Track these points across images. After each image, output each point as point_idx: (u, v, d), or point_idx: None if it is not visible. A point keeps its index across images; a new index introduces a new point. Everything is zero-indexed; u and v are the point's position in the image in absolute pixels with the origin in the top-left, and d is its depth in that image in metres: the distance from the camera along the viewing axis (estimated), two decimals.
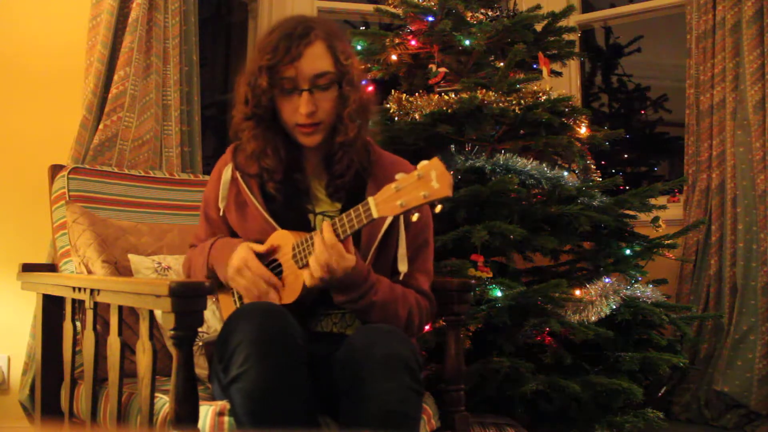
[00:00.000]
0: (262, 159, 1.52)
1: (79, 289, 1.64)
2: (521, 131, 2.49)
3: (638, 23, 3.97)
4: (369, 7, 3.42)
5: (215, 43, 4.50)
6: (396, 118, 2.43)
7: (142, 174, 2.21)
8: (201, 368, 1.70)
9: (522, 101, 2.33)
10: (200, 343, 1.75)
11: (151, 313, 1.37)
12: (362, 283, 1.41)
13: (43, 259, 2.22)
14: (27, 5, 2.46)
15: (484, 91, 2.32)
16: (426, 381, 1.87)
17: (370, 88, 2.57)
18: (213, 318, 1.82)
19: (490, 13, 2.67)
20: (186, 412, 1.27)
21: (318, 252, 1.35)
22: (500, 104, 2.31)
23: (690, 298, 2.93)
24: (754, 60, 2.79)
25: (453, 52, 2.67)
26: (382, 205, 1.28)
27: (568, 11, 2.68)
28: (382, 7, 2.76)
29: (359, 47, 2.69)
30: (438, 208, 1.27)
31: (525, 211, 2.27)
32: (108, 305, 1.51)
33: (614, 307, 2.16)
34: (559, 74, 2.90)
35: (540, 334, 2.18)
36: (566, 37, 2.73)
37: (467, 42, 2.51)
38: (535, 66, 2.70)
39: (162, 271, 1.90)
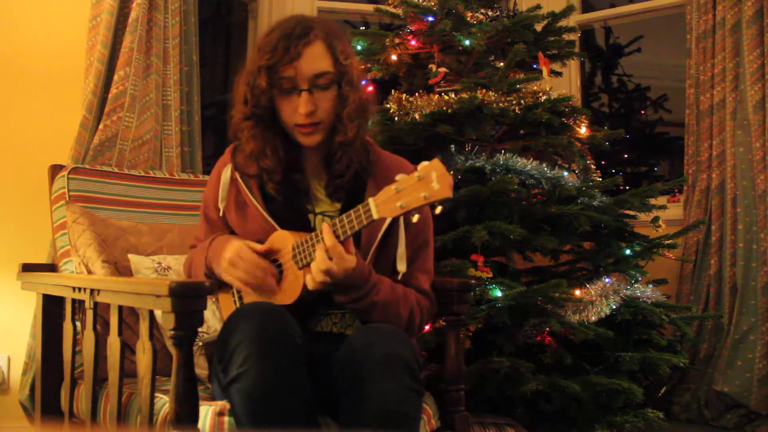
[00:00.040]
0: (261, 159, 1.52)
1: (79, 289, 1.64)
2: (521, 131, 2.49)
3: (638, 23, 3.97)
4: (369, 7, 3.42)
5: (215, 43, 4.50)
6: (396, 118, 2.43)
7: (142, 174, 2.21)
8: (201, 368, 1.70)
9: (522, 101, 2.33)
10: (200, 343, 1.75)
11: (151, 313, 1.37)
12: (363, 283, 1.41)
13: (43, 259, 2.22)
14: (27, 5, 2.46)
15: (484, 91, 2.32)
16: (426, 381, 1.87)
17: (370, 88, 2.57)
18: (213, 318, 1.82)
19: (490, 13, 2.67)
20: (186, 412, 1.27)
21: (319, 258, 1.35)
22: (500, 104, 2.31)
23: (690, 298, 2.93)
24: (754, 60, 2.79)
25: (453, 52, 2.67)
26: (382, 206, 1.28)
27: (568, 11, 2.68)
28: (382, 7, 2.76)
29: (359, 47, 2.69)
30: (438, 209, 1.27)
31: (525, 211, 2.27)
32: (108, 305, 1.51)
33: (614, 307, 2.16)
34: (559, 74, 2.90)
35: (540, 334, 2.18)
36: (566, 37, 2.73)
37: (467, 42, 2.51)
38: (535, 66, 2.70)
39: (162, 271, 1.90)
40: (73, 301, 1.71)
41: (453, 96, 2.35)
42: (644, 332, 2.31)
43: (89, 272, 1.87)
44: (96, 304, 1.58)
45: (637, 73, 4.94)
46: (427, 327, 1.75)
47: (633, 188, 2.42)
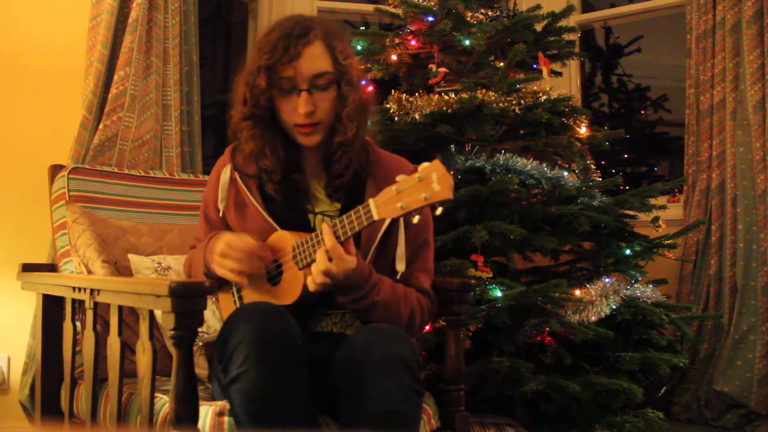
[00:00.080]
0: (261, 159, 1.52)
1: (79, 289, 1.64)
2: (521, 131, 2.49)
3: (638, 23, 3.97)
4: (369, 7, 3.42)
5: (215, 43, 4.50)
6: (396, 118, 2.43)
7: (142, 174, 2.21)
8: (201, 368, 1.70)
9: (522, 101, 2.33)
10: (200, 343, 1.75)
11: (151, 313, 1.37)
12: (364, 283, 1.41)
13: (43, 259, 2.22)
14: (27, 5, 2.46)
15: (484, 91, 2.32)
16: (426, 381, 1.87)
17: (370, 88, 2.57)
18: (213, 318, 1.82)
19: (490, 13, 2.67)
20: (186, 412, 1.27)
21: (319, 259, 1.35)
22: (500, 104, 2.31)
23: (690, 298, 2.92)
24: (754, 60, 2.79)
25: (453, 52, 2.67)
26: (382, 207, 1.28)
27: (568, 11, 2.68)
28: (382, 7, 2.76)
29: (359, 47, 2.69)
30: (439, 211, 1.27)
31: (525, 211, 2.27)
32: (108, 305, 1.51)
33: (614, 307, 2.16)
34: (559, 74, 2.90)
35: (540, 334, 2.18)
36: (566, 37, 2.73)
37: (467, 42, 2.51)
38: (535, 66, 2.70)
39: (162, 271, 1.90)
40: (73, 301, 1.71)
41: (453, 96, 2.35)
42: (644, 332, 2.31)
43: (89, 272, 1.87)
44: (96, 304, 1.58)
45: (637, 73, 4.94)
46: (427, 327, 1.75)
47: (633, 188, 2.42)
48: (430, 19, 2.61)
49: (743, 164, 2.81)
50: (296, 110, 1.46)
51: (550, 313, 2.12)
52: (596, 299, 2.15)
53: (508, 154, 2.30)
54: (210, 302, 1.68)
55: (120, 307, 1.46)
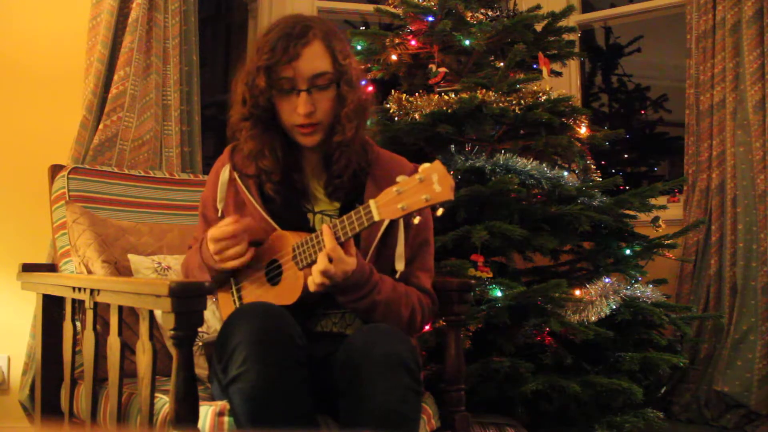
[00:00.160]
0: (260, 159, 1.52)
1: (79, 289, 1.64)
2: (521, 131, 2.49)
3: (638, 23, 3.97)
4: (369, 7, 3.42)
5: (215, 43, 4.50)
6: (396, 118, 2.43)
7: (142, 174, 2.21)
8: (201, 368, 1.70)
9: (522, 101, 2.33)
10: (200, 343, 1.75)
11: (151, 313, 1.37)
12: (364, 283, 1.41)
13: (43, 259, 2.22)
14: (27, 5, 2.46)
15: (484, 91, 2.32)
16: (426, 381, 1.88)
17: (370, 88, 2.57)
18: (213, 318, 1.82)
19: (490, 13, 2.67)
20: (186, 412, 1.28)
21: (319, 261, 1.35)
22: (500, 104, 2.31)
23: (690, 298, 2.92)
24: (754, 60, 2.79)
25: (453, 52, 2.67)
26: (383, 208, 1.28)
27: (568, 11, 2.68)
28: (382, 7, 2.77)
29: (359, 47, 2.69)
30: (439, 211, 1.27)
31: (525, 211, 2.27)
32: (108, 305, 1.51)
33: (614, 307, 2.16)
34: (559, 74, 2.90)
35: (540, 334, 2.18)
36: (566, 37, 2.73)
37: (467, 42, 2.51)
38: (535, 66, 2.70)
39: (162, 271, 1.90)
40: (73, 301, 1.70)
41: (453, 96, 2.35)
42: (644, 332, 2.31)
43: (89, 272, 1.87)
44: (96, 304, 1.58)
45: (637, 73, 4.94)
46: (427, 327, 1.75)
47: (633, 188, 2.43)
48: (430, 19, 2.61)
49: (743, 164, 2.81)
50: (296, 110, 1.46)
51: (550, 313, 2.12)
52: (596, 299, 2.15)
53: (508, 154, 2.30)
54: (210, 302, 1.68)
55: (120, 307, 1.46)
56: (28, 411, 2.20)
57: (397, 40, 2.68)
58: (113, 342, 1.47)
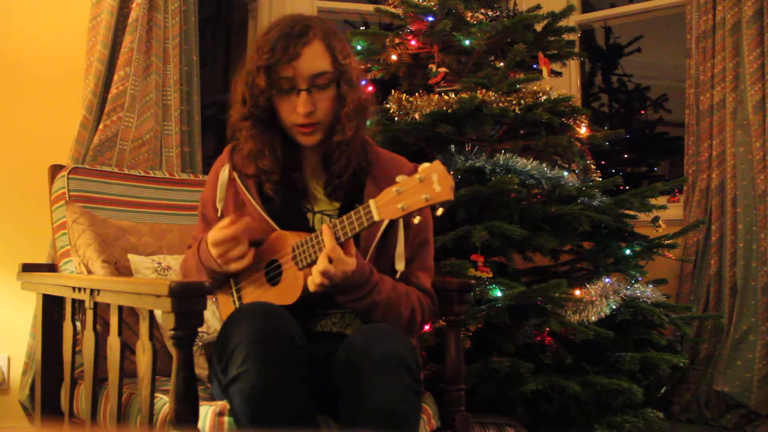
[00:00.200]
0: (260, 159, 1.52)
1: (79, 289, 1.64)
2: (521, 131, 2.49)
3: (638, 23, 3.97)
4: (369, 7, 3.42)
5: (215, 43, 4.50)
6: (396, 118, 2.43)
7: (142, 174, 2.21)
8: (201, 368, 1.70)
9: (522, 101, 2.33)
10: (200, 343, 1.75)
11: (151, 313, 1.37)
12: (364, 284, 1.41)
13: (43, 259, 2.22)
14: (27, 5, 2.46)
15: (484, 91, 2.32)
16: (426, 381, 1.87)
17: (370, 88, 2.58)
18: (213, 318, 1.82)
19: (490, 13, 2.67)
20: (186, 412, 1.28)
21: (319, 261, 1.35)
22: (500, 104, 2.31)
23: (690, 298, 2.92)
24: (754, 60, 2.79)
25: (453, 52, 2.67)
26: (383, 208, 1.27)
27: (568, 11, 2.67)
28: (382, 7, 2.76)
29: (359, 47, 2.69)
30: (439, 211, 1.27)
31: (525, 211, 2.27)
32: (108, 305, 1.51)
33: (614, 307, 2.16)
34: (559, 74, 2.90)
35: (540, 334, 2.18)
36: (566, 37, 2.73)
37: (467, 42, 2.51)
38: (535, 66, 2.70)
39: (162, 271, 1.90)
40: (73, 301, 1.70)
41: (453, 96, 2.35)
42: (644, 332, 2.31)
43: (89, 272, 1.87)
44: (96, 304, 1.58)
45: (637, 73, 4.94)
46: (427, 326, 1.75)
47: (633, 188, 2.43)
48: (430, 19, 2.61)
49: (743, 164, 2.81)
50: (295, 110, 1.46)
51: (550, 313, 2.12)
52: (596, 299, 2.15)
53: (508, 154, 2.30)
54: (210, 302, 1.68)
55: (120, 307, 1.46)
56: (28, 411, 2.20)
57: (397, 40, 2.68)
58: (113, 342, 1.47)
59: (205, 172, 2.46)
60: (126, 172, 2.18)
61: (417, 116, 2.36)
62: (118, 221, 2.01)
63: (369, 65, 2.71)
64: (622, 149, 4.75)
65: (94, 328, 1.58)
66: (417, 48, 2.67)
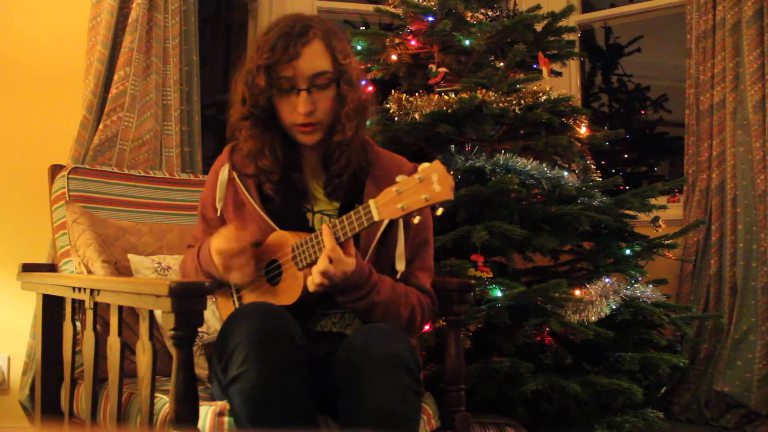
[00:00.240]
0: (260, 159, 1.52)
1: (79, 289, 1.64)
2: (521, 131, 2.49)
3: (638, 23, 3.97)
4: (369, 7, 3.42)
5: (215, 43, 4.50)
6: (396, 118, 2.43)
7: (142, 174, 2.21)
8: (201, 368, 1.70)
9: (522, 101, 2.33)
10: (200, 343, 1.75)
11: (151, 313, 1.37)
12: (364, 284, 1.41)
13: (43, 259, 2.22)
14: (27, 5, 2.46)
15: (484, 91, 2.32)
16: (426, 381, 1.88)
17: (370, 88, 2.58)
18: (213, 318, 1.82)
19: (490, 13, 2.67)
20: (186, 412, 1.27)
21: (319, 262, 1.35)
22: (500, 104, 2.31)
23: (690, 298, 2.92)
24: (754, 60, 2.79)
25: (453, 52, 2.67)
26: (383, 207, 1.27)
27: (568, 11, 2.67)
28: (382, 7, 2.76)
29: (359, 47, 2.69)
30: (439, 211, 1.27)
31: (525, 211, 2.27)
32: (108, 305, 1.51)
33: (614, 307, 2.16)
34: (559, 74, 2.90)
35: (540, 334, 2.18)
36: (566, 37, 2.73)
37: (467, 42, 2.51)
38: (535, 66, 2.70)
39: (162, 271, 1.90)
40: (73, 301, 1.70)
41: (453, 96, 2.35)
42: (644, 332, 2.31)
43: (89, 272, 1.87)
44: (96, 304, 1.58)
45: (637, 73, 4.94)
46: (427, 326, 1.75)
47: (633, 188, 2.42)
48: (430, 19, 2.61)
49: (743, 164, 2.81)
50: (296, 110, 1.46)
51: (550, 313, 2.12)
52: (596, 299, 2.15)
53: (508, 154, 2.30)
54: (210, 302, 1.68)
55: (120, 307, 1.46)
56: (28, 411, 2.20)
57: (397, 40, 2.68)
58: (113, 342, 1.47)
59: (205, 172, 2.46)
60: (126, 172, 2.18)
61: (417, 116, 2.36)
62: (118, 221, 2.01)
63: (369, 65, 2.71)
64: (622, 149, 4.75)
65: (94, 328, 1.58)
66: (417, 48, 2.67)
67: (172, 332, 1.27)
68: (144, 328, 1.37)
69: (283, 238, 1.47)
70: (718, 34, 2.89)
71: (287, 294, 1.45)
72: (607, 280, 2.27)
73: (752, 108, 2.78)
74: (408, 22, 2.68)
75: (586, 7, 3.62)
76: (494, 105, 2.30)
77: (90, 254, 1.88)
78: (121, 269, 1.88)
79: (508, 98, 2.32)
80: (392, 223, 1.50)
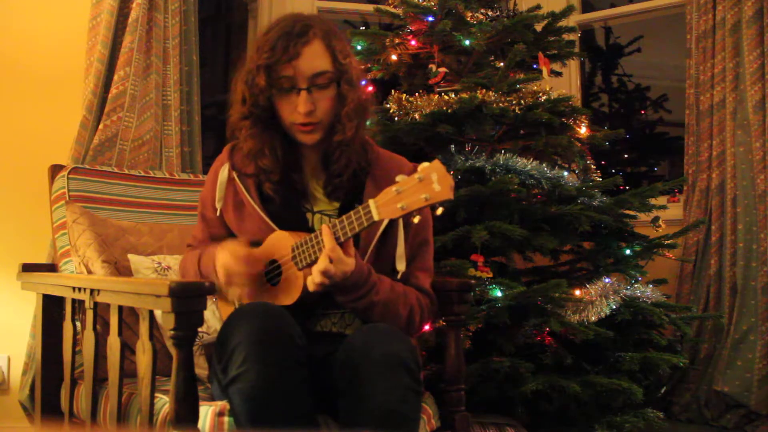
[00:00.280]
0: (260, 158, 1.52)
1: (79, 289, 1.64)
2: (521, 131, 2.49)
3: (638, 23, 3.97)
4: (369, 7, 3.42)
5: (215, 43, 4.50)
6: (396, 118, 2.43)
7: (142, 174, 2.21)
8: (201, 368, 1.70)
9: (522, 101, 2.33)
10: (200, 343, 1.75)
11: (151, 313, 1.37)
12: (363, 283, 1.41)
13: (43, 259, 2.22)
14: (27, 5, 2.46)
15: (484, 91, 2.32)
16: (426, 381, 1.87)
17: (370, 88, 2.58)
18: (213, 318, 1.82)
19: (490, 13, 2.67)
20: (186, 412, 1.27)
21: (319, 261, 1.35)
22: (500, 104, 2.31)
23: (690, 298, 2.92)
24: (754, 60, 2.79)
25: (453, 52, 2.67)
26: (382, 207, 1.27)
27: (568, 11, 2.67)
28: (382, 7, 2.76)
29: (359, 47, 2.69)
30: (439, 211, 1.27)
31: (525, 211, 2.27)
32: (108, 305, 1.51)
33: (614, 307, 2.16)
34: (559, 74, 2.90)
35: (540, 334, 2.18)
36: (566, 37, 2.73)
37: (467, 42, 2.51)
38: (535, 66, 2.70)
39: (162, 271, 1.90)
40: (73, 301, 1.70)
41: (453, 96, 2.35)
42: (644, 332, 2.31)
43: (89, 272, 1.87)
44: (96, 304, 1.58)
45: (637, 73, 4.94)
46: (427, 326, 1.75)
47: (633, 188, 2.42)
48: (430, 19, 2.61)
49: (743, 164, 2.81)
50: (296, 109, 1.46)
51: (550, 313, 2.12)
52: (596, 299, 2.15)
53: (508, 154, 2.30)
54: (210, 302, 1.68)
55: (120, 307, 1.46)
56: (28, 411, 2.20)
57: (397, 40, 2.67)
58: (113, 342, 1.47)
59: (205, 172, 2.46)
60: (126, 172, 2.18)
61: (417, 116, 2.36)
62: (118, 221, 2.01)
63: (369, 65, 2.71)
64: (622, 149, 4.75)
65: (94, 328, 1.58)
66: (417, 48, 2.67)
67: (172, 332, 1.27)
68: (144, 328, 1.37)
69: (282, 238, 1.47)
70: (718, 34, 2.89)
71: (287, 294, 1.45)
72: (607, 280, 2.27)
73: (752, 108, 2.78)
74: (408, 22, 2.68)
75: (586, 7, 3.62)
76: (494, 105, 2.30)
77: (90, 254, 1.88)
78: (121, 269, 1.88)
79: (508, 98, 2.32)
80: (392, 223, 1.50)
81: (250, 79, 1.47)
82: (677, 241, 2.55)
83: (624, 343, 2.24)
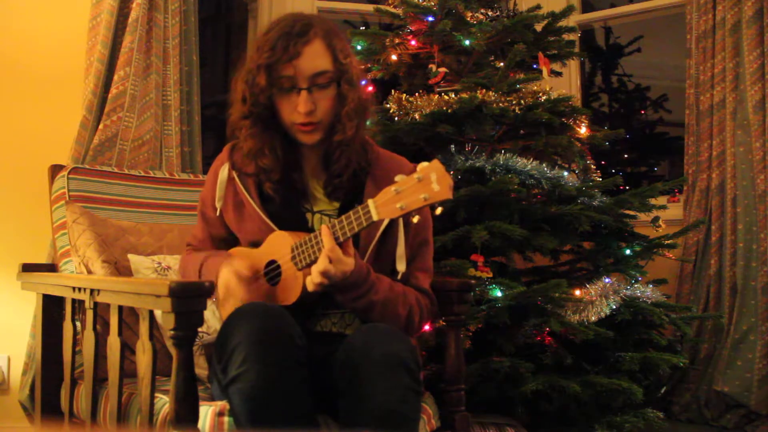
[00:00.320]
0: (260, 158, 1.52)
1: (79, 289, 1.64)
2: (521, 131, 2.49)
3: (638, 23, 3.97)
4: (369, 7, 3.42)
5: (215, 43, 4.50)
6: (396, 118, 2.43)
7: (142, 174, 2.21)
8: (201, 368, 1.70)
9: (522, 101, 2.33)
10: (200, 343, 1.75)
11: (151, 313, 1.37)
12: (362, 283, 1.41)
13: (43, 259, 2.22)
14: (27, 5, 2.46)
15: (484, 91, 2.32)
16: (426, 381, 1.88)
17: (370, 88, 2.58)
18: (213, 318, 1.82)
19: (490, 13, 2.67)
20: (186, 412, 1.27)
21: (319, 261, 1.35)
22: (500, 104, 2.31)
23: (690, 298, 2.92)
24: (754, 60, 2.79)
25: (453, 52, 2.67)
26: (381, 207, 1.27)
27: (568, 11, 2.67)
28: (382, 7, 2.76)
29: (359, 47, 2.69)
30: (438, 211, 1.27)
31: (525, 211, 2.27)
32: (108, 305, 1.51)
33: (614, 307, 2.16)
34: (559, 74, 2.90)
35: (540, 334, 2.18)
36: (566, 37, 2.73)
37: (467, 42, 2.51)
38: (535, 66, 2.70)
39: (162, 271, 1.90)
40: (73, 301, 1.70)
41: (453, 96, 2.35)
42: (644, 332, 2.31)
43: (89, 272, 1.87)
44: (96, 304, 1.58)
45: (637, 73, 4.94)
46: (427, 327, 1.75)
47: (633, 188, 2.42)
48: (430, 19, 2.61)
49: (743, 164, 2.81)
50: (296, 109, 1.46)
51: (550, 313, 2.12)
52: (596, 299, 2.15)
53: (508, 154, 2.30)
54: (210, 302, 1.68)
55: (120, 307, 1.46)
56: (28, 411, 2.20)
57: (397, 40, 2.67)
58: (113, 342, 1.47)
59: (205, 172, 2.46)
60: (126, 172, 2.18)
61: (417, 116, 2.36)
62: (118, 221, 2.01)
63: (369, 65, 2.71)
64: (622, 149, 4.75)
65: (94, 328, 1.58)
66: (417, 48, 2.67)
67: (172, 332, 1.26)
68: (144, 328, 1.37)
69: (282, 238, 1.47)
70: (718, 34, 2.89)
71: (287, 294, 1.45)
72: (607, 280, 2.27)
73: (752, 108, 2.78)
74: (408, 22, 2.68)
75: (586, 7, 3.62)
76: (494, 105, 2.30)
77: (90, 254, 1.88)
78: (121, 269, 1.88)
79: (508, 98, 2.32)
80: (392, 223, 1.50)
81: (250, 79, 1.47)
82: (677, 241, 2.55)
83: (624, 343, 2.24)
